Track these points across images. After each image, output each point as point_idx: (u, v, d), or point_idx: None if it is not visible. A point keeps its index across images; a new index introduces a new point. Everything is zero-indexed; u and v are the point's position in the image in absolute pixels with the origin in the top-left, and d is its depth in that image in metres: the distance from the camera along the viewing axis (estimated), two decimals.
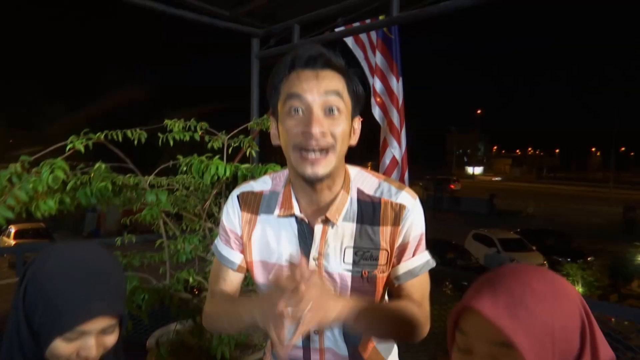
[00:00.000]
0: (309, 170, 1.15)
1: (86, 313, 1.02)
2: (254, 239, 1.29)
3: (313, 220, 1.24)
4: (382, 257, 1.23)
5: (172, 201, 2.16)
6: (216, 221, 2.58)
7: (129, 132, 2.35)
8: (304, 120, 1.13)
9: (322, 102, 1.13)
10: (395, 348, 1.53)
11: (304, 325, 0.99)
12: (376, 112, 3.58)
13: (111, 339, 1.11)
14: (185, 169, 2.16)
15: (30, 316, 1.06)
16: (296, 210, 1.24)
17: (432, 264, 1.29)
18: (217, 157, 2.14)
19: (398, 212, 1.24)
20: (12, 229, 16.16)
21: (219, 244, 1.35)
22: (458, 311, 0.89)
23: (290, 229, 1.26)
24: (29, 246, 2.89)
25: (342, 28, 3.15)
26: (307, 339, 1.33)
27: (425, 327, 1.24)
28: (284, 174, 1.33)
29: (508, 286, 0.84)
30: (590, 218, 27.22)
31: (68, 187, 1.75)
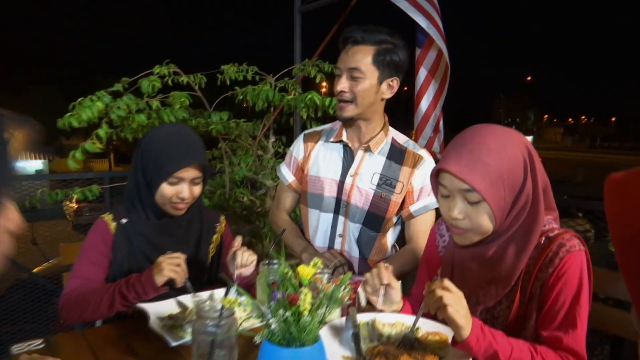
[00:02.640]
0: (338, 113, 1.79)
1: (182, 162, 1.49)
2: (312, 156, 1.90)
3: (356, 148, 1.84)
4: (398, 187, 1.80)
5: (233, 127, 2.61)
6: (266, 149, 3.03)
7: (191, 77, 2.81)
8: (337, 82, 1.76)
9: (347, 71, 1.74)
10: None
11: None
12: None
13: (197, 189, 1.59)
14: (241, 97, 2.61)
15: (145, 170, 1.54)
16: (344, 137, 1.85)
17: (436, 204, 1.80)
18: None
19: (417, 160, 1.81)
20: (74, 195, 17.71)
21: (282, 166, 2.02)
22: (435, 171, 1.28)
23: (337, 151, 1.86)
24: (117, 173, 3.42)
25: None
26: (332, 241, 1.89)
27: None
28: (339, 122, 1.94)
29: (469, 148, 1.22)
30: None
31: (154, 107, 2.24)
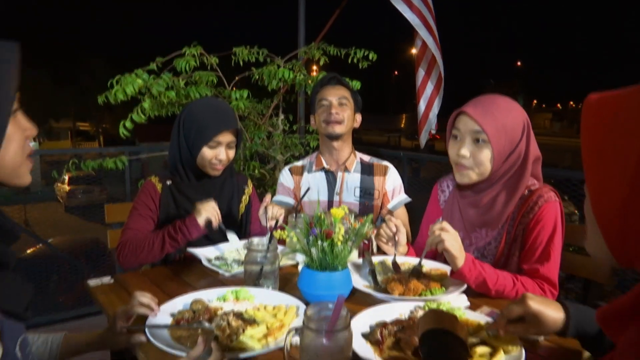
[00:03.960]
0: (331, 130, 2.15)
1: (221, 127, 1.75)
2: (302, 187, 2.26)
3: (335, 171, 2.25)
4: (376, 194, 2.24)
5: (246, 107, 2.85)
6: (275, 126, 3.28)
7: (204, 58, 3.04)
8: (328, 108, 2.16)
9: (337, 100, 2.17)
10: None
11: None
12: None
13: (232, 153, 1.84)
14: (258, 77, 2.85)
15: (187, 136, 1.79)
16: (325, 164, 2.24)
17: (409, 199, 2.27)
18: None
19: (384, 169, 2.25)
20: (66, 176, 17.62)
21: (278, 197, 2.33)
22: (455, 115, 1.57)
23: (322, 177, 2.26)
24: (139, 148, 3.60)
25: None
26: None
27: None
28: (314, 155, 2.32)
29: (484, 103, 1.53)
30: None
31: (182, 84, 2.49)
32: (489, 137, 1.47)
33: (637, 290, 0.61)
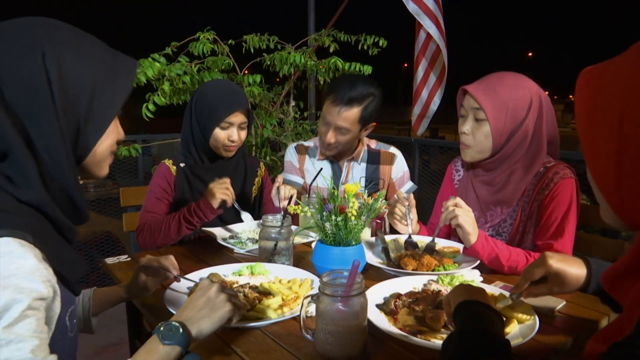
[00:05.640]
0: (323, 151, 2.10)
1: (232, 108, 1.76)
2: (304, 170, 2.22)
3: (341, 161, 2.20)
4: (381, 183, 2.19)
5: (259, 92, 2.87)
6: (286, 112, 3.29)
7: (215, 46, 3.05)
8: (327, 130, 2.00)
9: (336, 126, 1.96)
10: None
11: None
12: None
13: (243, 134, 1.86)
14: (269, 62, 2.86)
15: (199, 118, 1.81)
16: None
17: (415, 186, 2.24)
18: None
19: (390, 157, 2.19)
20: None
21: (286, 174, 2.28)
22: (461, 94, 1.57)
23: (327, 166, 2.20)
24: (148, 136, 3.62)
25: None
26: None
27: None
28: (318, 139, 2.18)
29: (490, 79, 1.52)
30: None
31: (195, 69, 2.50)
32: (487, 114, 1.47)
33: (638, 243, 0.62)
